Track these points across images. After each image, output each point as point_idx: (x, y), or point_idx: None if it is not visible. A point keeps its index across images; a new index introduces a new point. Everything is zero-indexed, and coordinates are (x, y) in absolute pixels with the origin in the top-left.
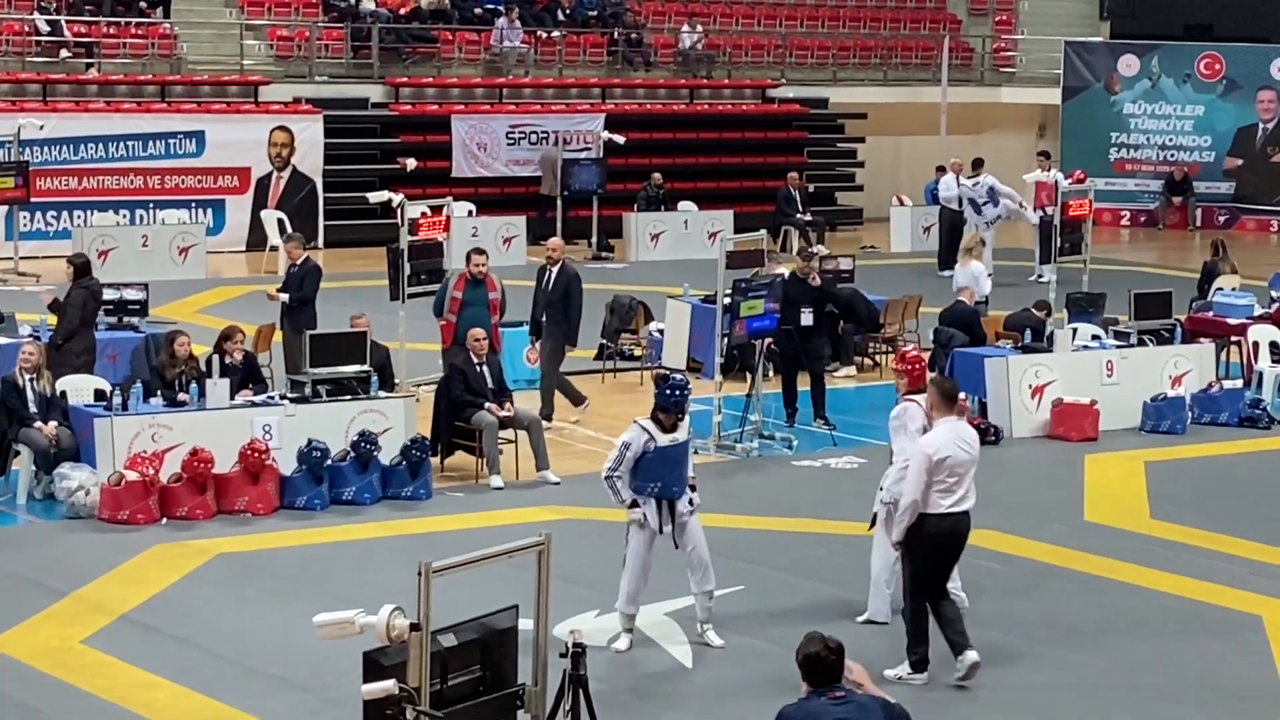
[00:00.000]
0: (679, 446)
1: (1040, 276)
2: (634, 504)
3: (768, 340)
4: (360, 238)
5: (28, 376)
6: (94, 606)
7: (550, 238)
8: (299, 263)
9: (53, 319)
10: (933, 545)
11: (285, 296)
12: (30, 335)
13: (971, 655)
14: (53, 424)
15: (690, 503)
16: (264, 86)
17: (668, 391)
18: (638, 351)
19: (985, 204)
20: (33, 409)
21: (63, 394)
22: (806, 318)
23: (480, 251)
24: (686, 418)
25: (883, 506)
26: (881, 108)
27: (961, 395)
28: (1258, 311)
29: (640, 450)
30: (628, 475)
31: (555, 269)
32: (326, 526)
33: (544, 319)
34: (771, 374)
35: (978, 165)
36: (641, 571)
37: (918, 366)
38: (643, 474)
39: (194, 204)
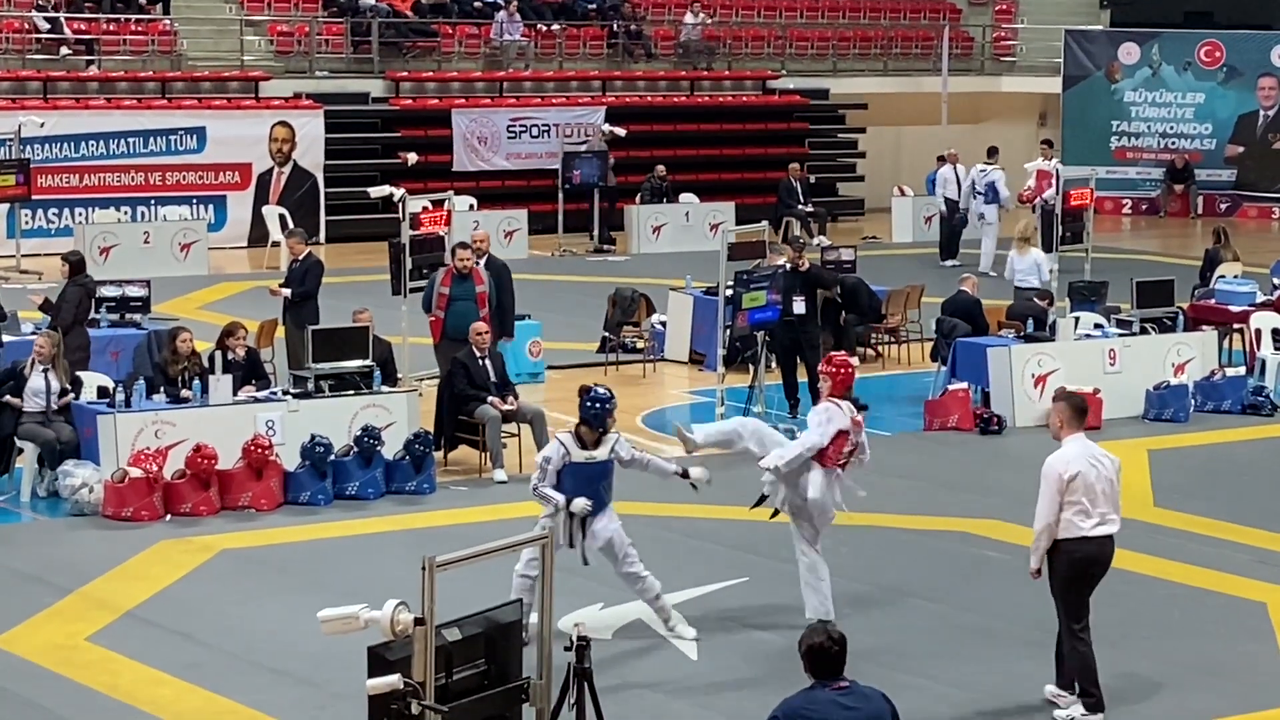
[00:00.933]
0: (595, 465)
1: None
2: (569, 501)
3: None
4: (362, 232)
5: (41, 367)
6: (98, 603)
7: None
8: (301, 258)
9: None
10: (1072, 571)
11: (287, 292)
12: (33, 332)
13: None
14: (69, 396)
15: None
16: (264, 82)
17: (587, 404)
18: (640, 344)
19: (979, 195)
20: (38, 400)
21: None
22: (799, 305)
23: (465, 245)
24: (615, 436)
25: (766, 483)
26: (882, 98)
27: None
28: (1260, 299)
29: (559, 465)
30: (553, 485)
31: (482, 262)
32: (330, 522)
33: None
34: (774, 365)
35: (992, 154)
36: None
37: (844, 371)
38: (556, 488)
39: (195, 200)
